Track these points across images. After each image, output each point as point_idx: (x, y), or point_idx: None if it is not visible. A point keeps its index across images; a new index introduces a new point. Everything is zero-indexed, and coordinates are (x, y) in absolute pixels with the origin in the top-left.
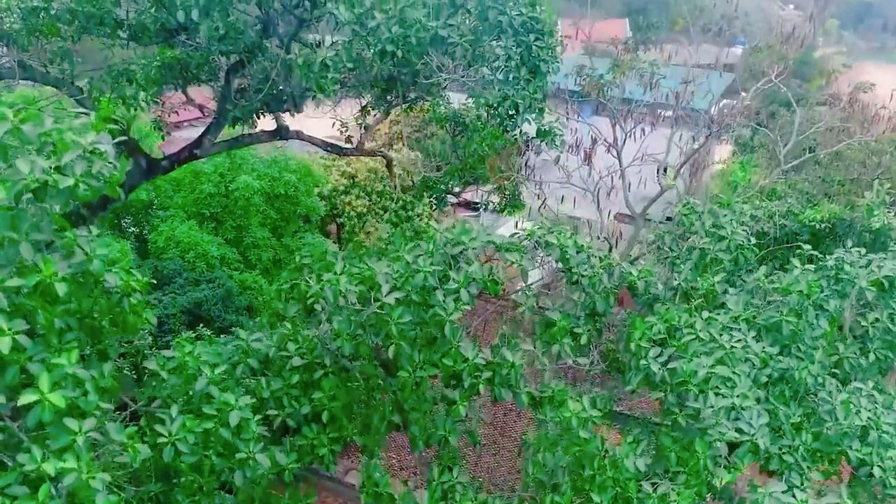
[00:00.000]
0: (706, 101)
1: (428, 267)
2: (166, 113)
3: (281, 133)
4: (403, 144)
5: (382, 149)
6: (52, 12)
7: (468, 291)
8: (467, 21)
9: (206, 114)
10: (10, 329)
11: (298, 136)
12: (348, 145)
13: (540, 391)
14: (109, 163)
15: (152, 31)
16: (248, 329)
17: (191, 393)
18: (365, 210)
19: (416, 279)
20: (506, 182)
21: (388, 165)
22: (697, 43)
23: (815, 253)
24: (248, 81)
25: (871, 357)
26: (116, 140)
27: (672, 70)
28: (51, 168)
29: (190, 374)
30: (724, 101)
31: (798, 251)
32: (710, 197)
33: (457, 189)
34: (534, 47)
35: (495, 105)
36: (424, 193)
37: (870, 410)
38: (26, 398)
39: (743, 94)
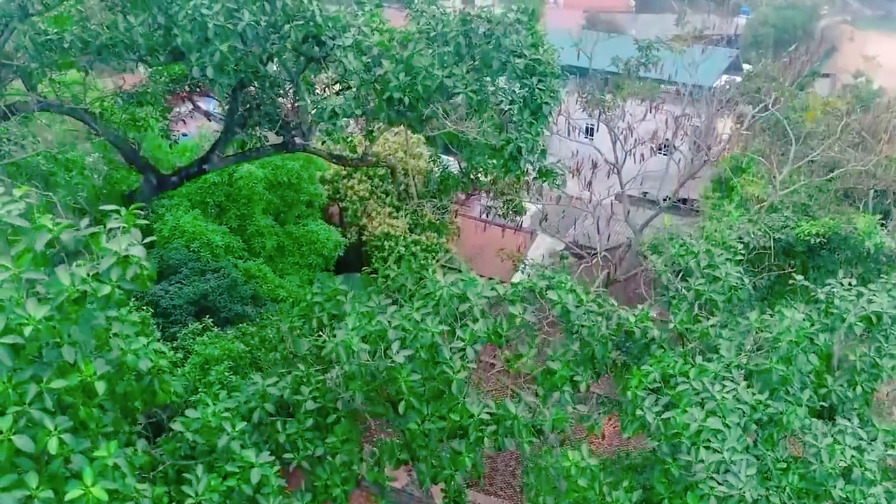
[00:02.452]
0: (710, 76)
1: (435, 327)
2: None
3: (287, 147)
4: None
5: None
6: (65, 45)
7: (473, 349)
8: (473, 62)
9: (210, 119)
10: (56, 428)
11: (304, 149)
12: (353, 155)
13: (540, 421)
14: (141, 265)
15: (161, 52)
16: (256, 325)
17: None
18: (367, 194)
19: (424, 337)
20: (507, 189)
21: (393, 174)
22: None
23: (807, 283)
24: (255, 99)
25: (858, 390)
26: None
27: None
28: (89, 276)
29: (213, 429)
30: (726, 76)
31: (790, 282)
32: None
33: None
34: (536, 90)
35: (499, 148)
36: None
37: (854, 448)
38: (72, 494)
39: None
